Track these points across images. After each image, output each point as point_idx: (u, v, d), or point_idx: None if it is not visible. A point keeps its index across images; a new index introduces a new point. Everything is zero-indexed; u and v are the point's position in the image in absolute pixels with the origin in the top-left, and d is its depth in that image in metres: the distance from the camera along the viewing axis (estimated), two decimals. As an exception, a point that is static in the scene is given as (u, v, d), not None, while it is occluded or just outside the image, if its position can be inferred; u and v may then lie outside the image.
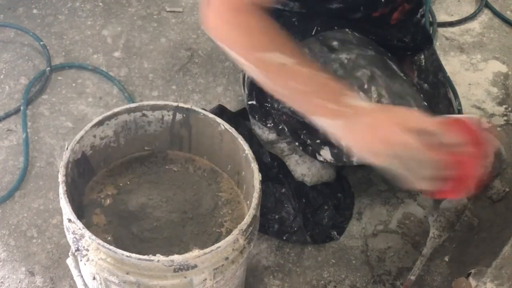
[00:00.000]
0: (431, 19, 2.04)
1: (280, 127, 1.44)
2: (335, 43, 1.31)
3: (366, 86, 1.24)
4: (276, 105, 1.39)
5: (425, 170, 0.91)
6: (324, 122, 0.96)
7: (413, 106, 1.24)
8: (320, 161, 1.37)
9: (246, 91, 1.57)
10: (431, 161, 0.90)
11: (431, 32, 1.96)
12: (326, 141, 1.31)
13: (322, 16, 1.34)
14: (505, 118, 1.78)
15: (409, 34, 1.45)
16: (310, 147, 1.36)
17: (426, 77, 1.51)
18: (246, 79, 1.59)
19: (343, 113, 0.94)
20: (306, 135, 1.35)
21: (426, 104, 1.27)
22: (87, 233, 0.99)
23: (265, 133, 1.53)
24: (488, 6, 2.13)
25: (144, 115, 1.20)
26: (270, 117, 1.47)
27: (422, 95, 1.28)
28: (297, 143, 1.40)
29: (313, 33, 1.32)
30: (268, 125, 1.48)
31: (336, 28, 1.33)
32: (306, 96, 0.98)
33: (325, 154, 1.33)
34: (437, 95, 1.53)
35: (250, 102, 1.53)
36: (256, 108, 1.50)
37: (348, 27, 1.34)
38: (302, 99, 0.99)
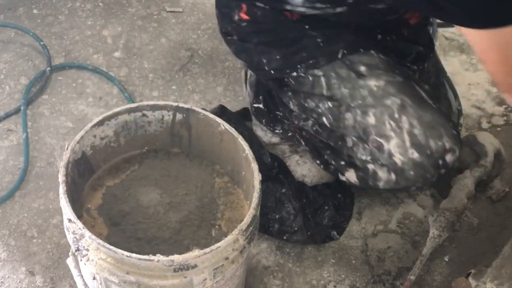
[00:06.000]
0: (431, 19, 2.03)
1: (290, 134, 1.43)
2: (362, 68, 1.29)
3: (396, 115, 1.24)
4: (296, 122, 1.37)
5: None
6: None
7: (444, 136, 1.24)
8: (343, 181, 1.37)
9: (251, 93, 1.55)
10: None
11: (431, 32, 1.96)
12: (351, 163, 1.30)
13: (349, 36, 1.31)
14: (505, 118, 1.78)
15: (419, 44, 1.45)
16: (333, 167, 1.36)
17: (427, 78, 1.51)
18: (248, 77, 1.58)
19: None
20: (330, 156, 1.35)
21: (455, 132, 1.27)
22: (87, 233, 0.99)
23: (268, 136, 1.52)
24: (488, 6, 2.13)
25: (144, 115, 1.20)
26: (279, 123, 1.46)
27: (451, 124, 1.28)
28: (318, 161, 1.40)
29: (339, 56, 1.29)
30: (277, 131, 1.47)
31: (361, 50, 1.30)
32: None
33: (350, 176, 1.33)
34: (438, 96, 1.53)
35: (256, 105, 1.51)
36: (264, 113, 1.49)
37: (373, 48, 1.32)
38: None
